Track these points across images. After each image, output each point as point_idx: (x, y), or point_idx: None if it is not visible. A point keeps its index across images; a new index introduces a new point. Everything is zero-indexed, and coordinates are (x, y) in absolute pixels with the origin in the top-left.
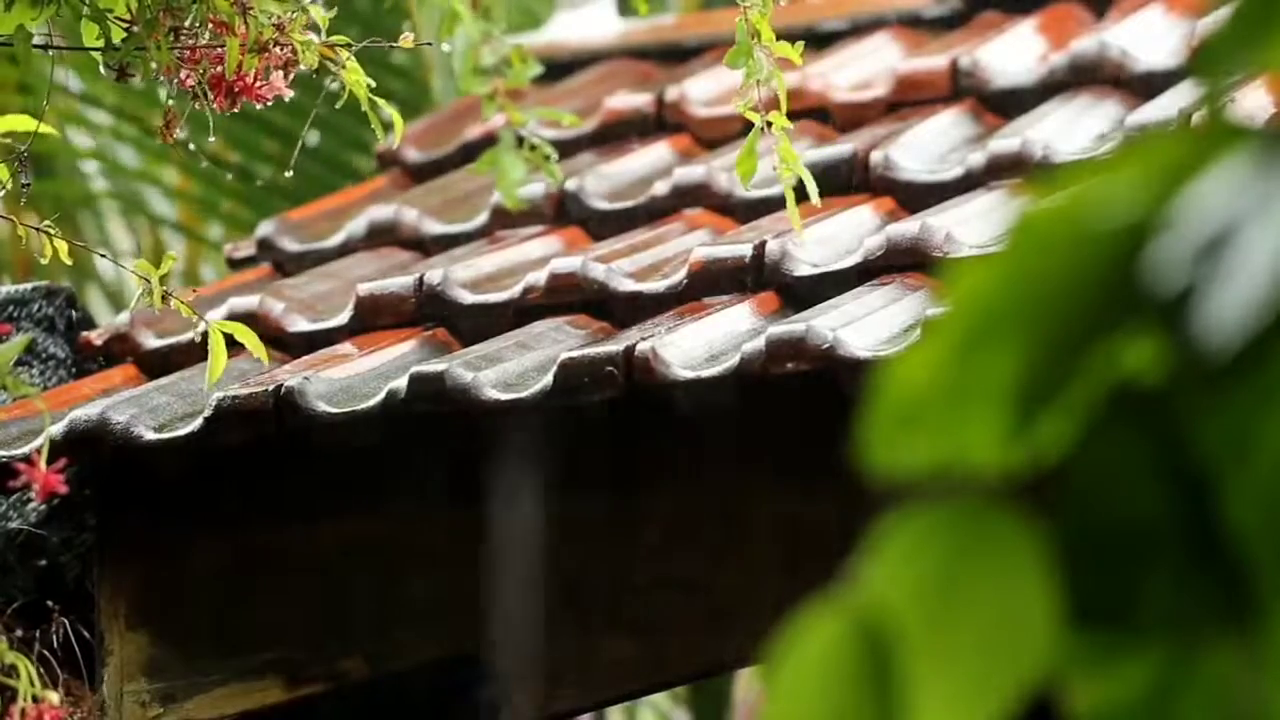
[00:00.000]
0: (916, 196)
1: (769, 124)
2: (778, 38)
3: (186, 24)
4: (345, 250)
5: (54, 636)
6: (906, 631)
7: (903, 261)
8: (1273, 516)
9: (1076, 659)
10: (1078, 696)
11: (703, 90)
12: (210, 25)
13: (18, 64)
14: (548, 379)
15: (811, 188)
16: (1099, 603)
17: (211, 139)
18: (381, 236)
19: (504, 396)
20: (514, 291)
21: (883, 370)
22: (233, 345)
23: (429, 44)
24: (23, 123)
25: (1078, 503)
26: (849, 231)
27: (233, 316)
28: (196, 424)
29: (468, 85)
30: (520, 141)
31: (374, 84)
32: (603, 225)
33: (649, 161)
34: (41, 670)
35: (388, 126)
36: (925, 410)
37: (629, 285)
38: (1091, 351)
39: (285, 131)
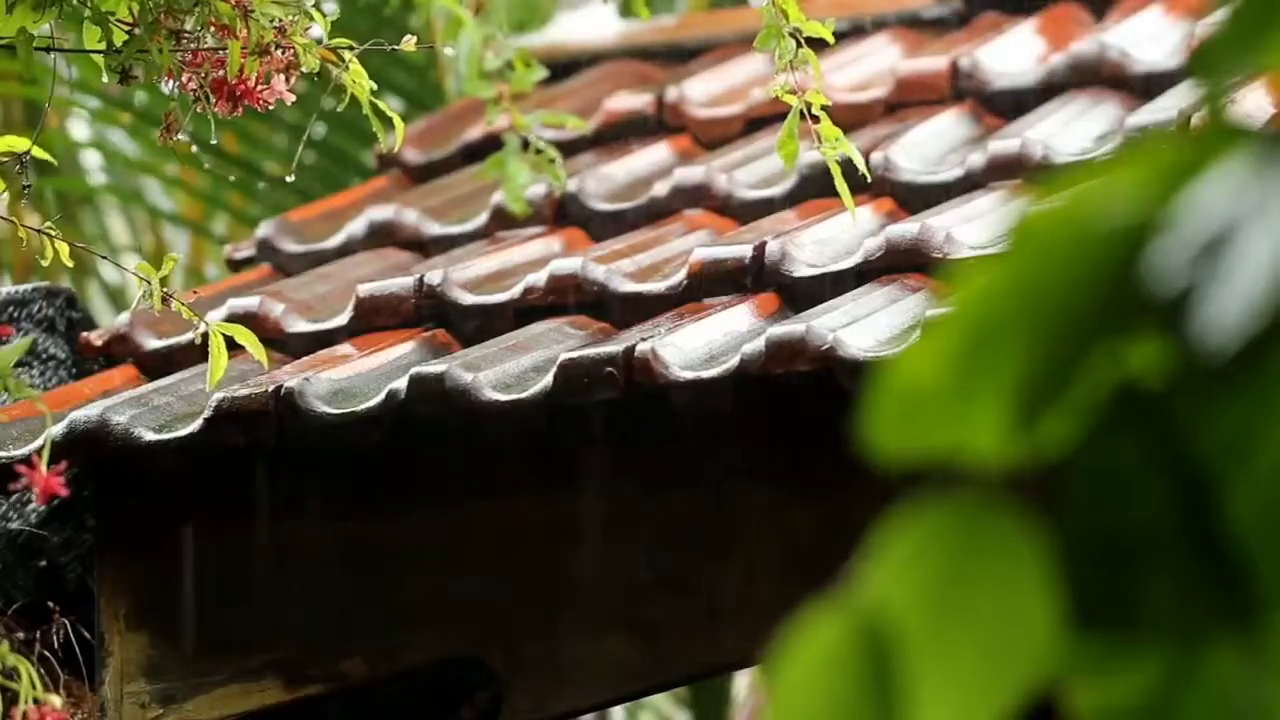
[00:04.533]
0: (916, 197)
1: (808, 105)
2: None
3: (188, 27)
4: (345, 251)
5: (54, 637)
6: (908, 633)
7: (902, 262)
8: (1273, 518)
9: (1078, 661)
10: (1079, 698)
11: (703, 91)
12: (212, 28)
13: (19, 59)
14: (547, 380)
15: (860, 164)
16: (1100, 604)
17: (214, 141)
18: (381, 237)
19: (503, 397)
20: (514, 292)
21: (887, 363)
22: (233, 346)
23: (431, 46)
24: (21, 143)
25: (1079, 504)
26: (848, 232)
27: (233, 317)
28: (196, 425)
29: (472, 89)
30: (525, 145)
31: (383, 80)
32: (602, 226)
33: (649, 162)
34: (42, 671)
35: (391, 125)
36: (928, 403)
37: (629, 286)
38: (1094, 353)
39: (292, 125)
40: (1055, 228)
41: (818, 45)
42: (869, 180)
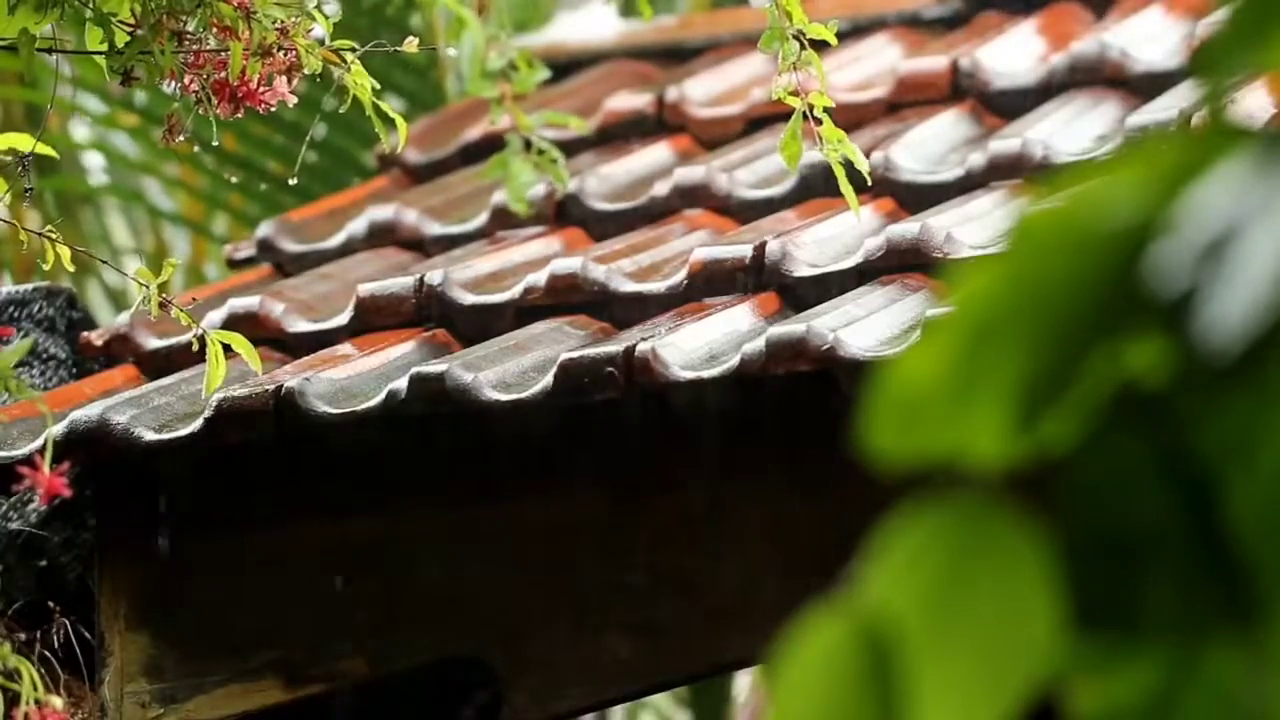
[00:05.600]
0: (917, 197)
1: (810, 107)
2: None
3: (190, 28)
4: (345, 251)
5: (55, 637)
6: (909, 634)
7: (903, 262)
8: (1274, 518)
9: (1079, 661)
10: (1081, 699)
11: (703, 91)
12: (214, 29)
13: (19, 56)
14: (548, 379)
15: (862, 165)
16: (1102, 605)
17: (216, 143)
18: (382, 237)
19: (504, 397)
20: (514, 292)
21: (887, 365)
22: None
23: (433, 48)
24: (22, 141)
25: (1081, 504)
26: (849, 232)
27: (233, 318)
28: (197, 424)
29: (475, 90)
30: (527, 145)
31: (384, 80)
32: (603, 226)
33: (649, 162)
34: (42, 671)
35: (392, 125)
36: (929, 405)
37: (629, 286)
38: (1095, 353)
39: (294, 125)
40: (1056, 228)
41: (819, 45)
42: (870, 181)
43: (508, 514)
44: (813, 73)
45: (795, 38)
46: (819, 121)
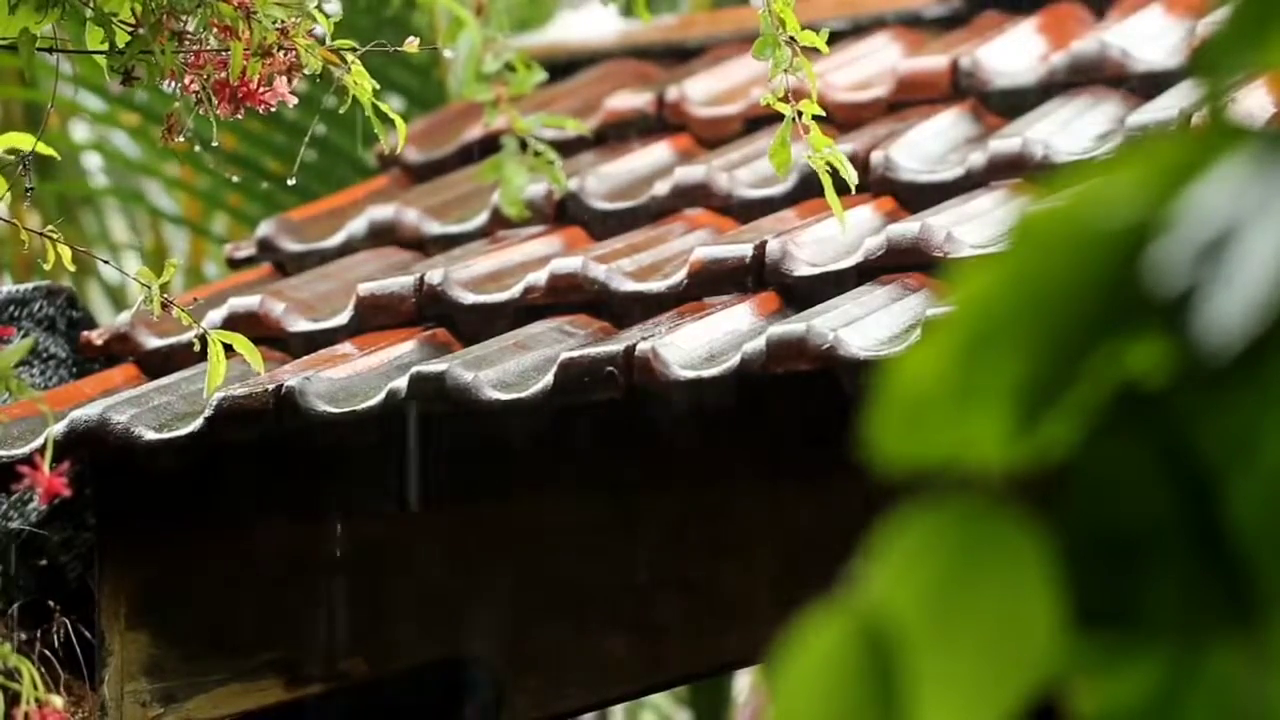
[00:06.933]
0: (917, 196)
1: (799, 114)
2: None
3: (190, 28)
4: (346, 250)
5: (55, 636)
6: (910, 634)
7: (903, 262)
8: (1275, 517)
9: (1081, 661)
10: (1083, 698)
11: (703, 90)
12: (214, 29)
13: (19, 56)
14: (548, 379)
15: (850, 174)
16: (1103, 604)
17: (216, 143)
18: (382, 237)
19: (504, 396)
20: (514, 291)
21: (888, 367)
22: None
23: (433, 47)
24: (23, 140)
25: (1082, 504)
26: (849, 231)
27: (233, 317)
28: (197, 424)
29: (471, 92)
30: (524, 147)
31: (384, 78)
32: (603, 225)
33: (649, 161)
34: (43, 670)
35: (392, 125)
36: (931, 406)
37: (629, 285)
38: (1096, 353)
39: (294, 125)
40: (1056, 228)
41: (818, 46)
42: (868, 181)
43: (508, 514)
44: (805, 78)
45: (788, 43)
46: (807, 129)
